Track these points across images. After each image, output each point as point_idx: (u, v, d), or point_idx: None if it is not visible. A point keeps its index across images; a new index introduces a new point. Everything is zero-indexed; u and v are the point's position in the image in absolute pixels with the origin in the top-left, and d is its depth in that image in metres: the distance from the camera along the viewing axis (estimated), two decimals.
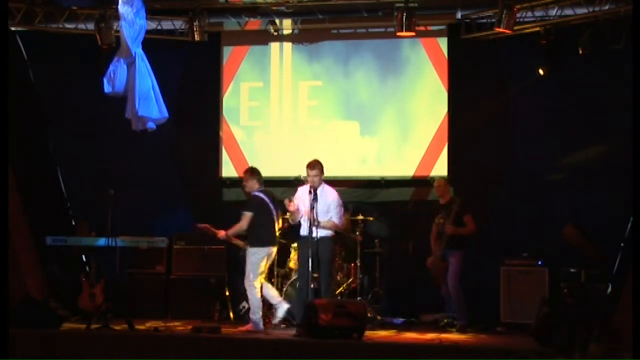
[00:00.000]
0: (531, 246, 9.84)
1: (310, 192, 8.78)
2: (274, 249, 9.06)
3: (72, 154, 11.27)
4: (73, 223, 11.06)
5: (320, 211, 8.72)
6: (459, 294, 9.35)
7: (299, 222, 8.98)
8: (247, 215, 8.90)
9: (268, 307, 9.81)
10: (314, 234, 8.59)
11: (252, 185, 9.13)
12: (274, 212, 9.05)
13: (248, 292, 8.95)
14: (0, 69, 8.44)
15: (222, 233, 9.14)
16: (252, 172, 9.23)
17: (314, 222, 8.60)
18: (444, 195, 9.67)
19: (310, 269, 8.69)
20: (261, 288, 8.97)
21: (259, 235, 8.93)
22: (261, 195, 9.05)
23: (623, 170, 8.66)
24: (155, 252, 10.37)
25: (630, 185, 7.23)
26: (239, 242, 9.28)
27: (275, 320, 9.16)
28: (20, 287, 9.38)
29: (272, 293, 9.14)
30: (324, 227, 8.74)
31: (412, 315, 10.26)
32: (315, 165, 8.91)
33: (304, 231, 8.88)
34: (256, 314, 8.89)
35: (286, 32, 11.17)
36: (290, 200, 8.89)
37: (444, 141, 10.63)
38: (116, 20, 9.66)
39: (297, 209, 8.86)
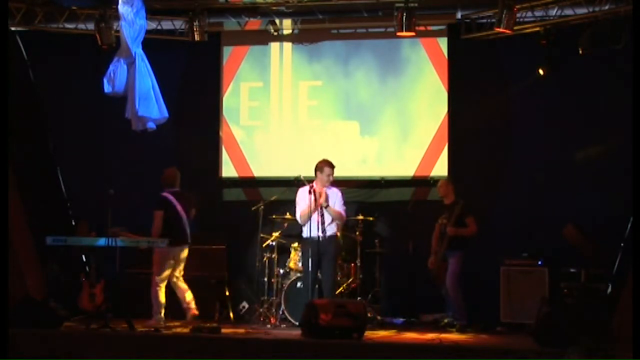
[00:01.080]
0: (531, 246, 9.83)
1: (310, 192, 8.79)
2: (184, 247, 9.24)
3: (72, 154, 11.26)
4: (73, 223, 11.04)
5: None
6: (457, 294, 9.34)
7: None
8: (158, 214, 9.12)
9: (268, 306, 9.81)
10: (320, 233, 8.73)
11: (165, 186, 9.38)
12: (181, 211, 9.22)
13: (152, 289, 9.20)
14: (0, 69, 8.44)
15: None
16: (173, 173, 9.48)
17: (320, 210, 8.77)
18: (448, 196, 9.65)
19: (310, 268, 8.71)
20: (176, 287, 9.32)
21: (165, 234, 9.08)
22: (168, 195, 9.24)
23: (623, 170, 8.65)
24: None
25: (630, 185, 7.23)
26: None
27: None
28: (20, 287, 9.37)
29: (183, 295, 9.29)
30: (331, 213, 8.83)
31: (412, 315, 10.25)
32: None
33: (307, 233, 8.89)
34: (157, 314, 9.13)
35: (286, 32, 11.16)
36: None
37: (444, 141, 10.62)
38: (116, 20, 9.66)
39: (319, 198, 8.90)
